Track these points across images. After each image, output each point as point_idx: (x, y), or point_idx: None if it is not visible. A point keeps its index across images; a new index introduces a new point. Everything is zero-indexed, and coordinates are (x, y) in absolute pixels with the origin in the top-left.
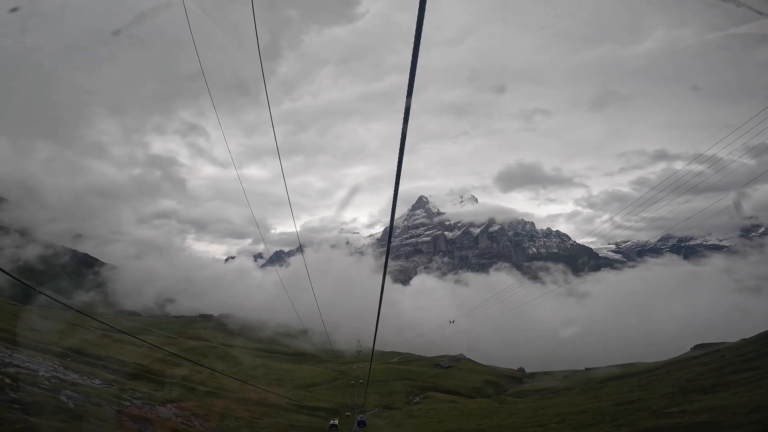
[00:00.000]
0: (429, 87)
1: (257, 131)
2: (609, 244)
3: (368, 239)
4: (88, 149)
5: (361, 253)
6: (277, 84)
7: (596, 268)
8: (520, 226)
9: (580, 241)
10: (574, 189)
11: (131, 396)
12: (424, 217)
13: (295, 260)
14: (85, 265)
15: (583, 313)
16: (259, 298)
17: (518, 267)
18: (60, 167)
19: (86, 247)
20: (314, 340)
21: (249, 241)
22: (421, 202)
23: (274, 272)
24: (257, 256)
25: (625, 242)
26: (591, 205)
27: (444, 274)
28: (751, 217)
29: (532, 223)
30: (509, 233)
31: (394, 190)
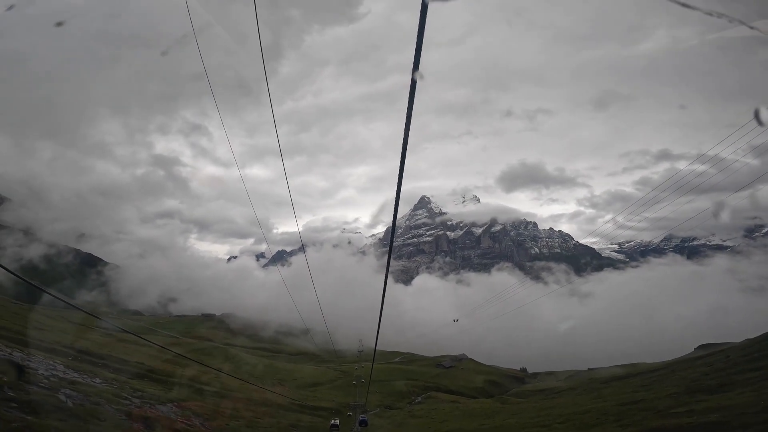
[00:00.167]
0: (431, 87)
1: (259, 131)
2: (612, 244)
3: (370, 239)
4: (91, 149)
5: (363, 252)
6: (279, 84)
7: (599, 268)
8: (522, 226)
9: (583, 241)
10: (576, 189)
11: (131, 395)
12: (426, 217)
13: (297, 260)
14: (88, 265)
15: (586, 314)
16: (261, 297)
17: (520, 267)
18: (63, 167)
19: (89, 247)
20: (316, 340)
21: (251, 240)
22: (424, 202)
23: (276, 272)
24: (259, 255)
25: (628, 242)
26: (594, 205)
27: (446, 274)
28: (755, 218)
29: (535, 223)
30: (511, 233)
31: (397, 190)
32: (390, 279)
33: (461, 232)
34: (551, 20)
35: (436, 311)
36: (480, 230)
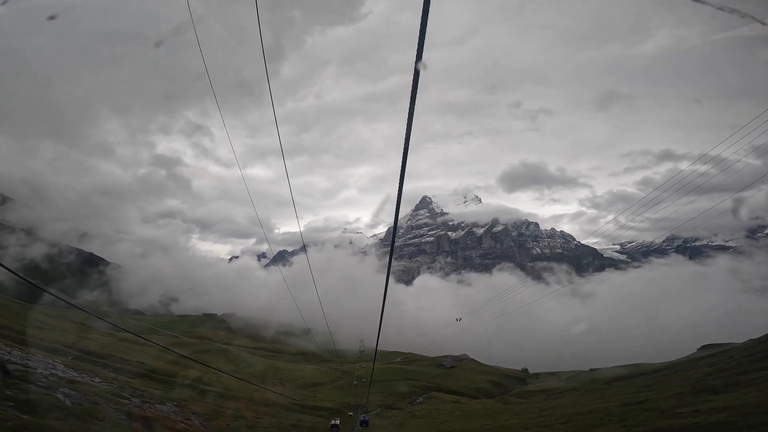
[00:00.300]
0: (432, 87)
1: (261, 131)
2: (614, 245)
3: (371, 239)
4: (93, 149)
5: (364, 253)
6: (281, 84)
7: (600, 268)
8: (523, 227)
9: (585, 241)
10: (578, 189)
11: (131, 395)
12: (427, 217)
13: (299, 260)
14: (90, 264)
15: (588, 314)
16: (263, 297)
17: (522, 267)
18: (65, 167)
19: (91, 247)
20: (317, 340)
21: (253, 240)
22: (425, 202)
23: (278, 272)
24: (261, 255)
25: (629, 243)
26: (595, 206)
27: (447, 274)
28: (757, 218)
29: (536, 224)
30: (513, 233)
31: (398, 190)
32: (391, 279)
33: (462, 233)
34: (553, 20)
35: (438, 311)
36: (481, 230)
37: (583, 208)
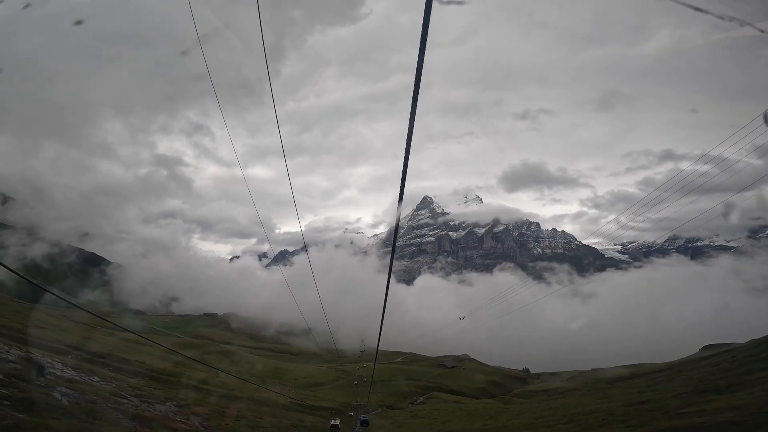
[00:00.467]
0: (433, 87)
1: (262, 131)
2: (615, 245)
3: (372, 239)
4: (94, 149)
5: (365, 252)
6: (282, 84)
7: (601, 268)
8: (524, 227)
9: (586, 241)
10: (579, 189)
11: (130, 394)
12: (428, 217)
13: (300, 260)
14: (92, 264)
15: (589, 314)
16: (263, 297)
17: (523, 267)
18: (67, 167)
19: (92, 246)
20: (318, 340)
21: (254, 240)
22: (426, 202)
23: (279, 272)
24: (262, 255)
25: (631, 243)
26: (596, 206)
27: (448, 274)
28: (759, 218)
29: (537, 224)
30: (514, 233)
31: (400, 190)
32: (392, 279)
33: (463, 233)
34: (553, 20)
35: (438, 311)
36: (482, 230)
37: (584, 208)
